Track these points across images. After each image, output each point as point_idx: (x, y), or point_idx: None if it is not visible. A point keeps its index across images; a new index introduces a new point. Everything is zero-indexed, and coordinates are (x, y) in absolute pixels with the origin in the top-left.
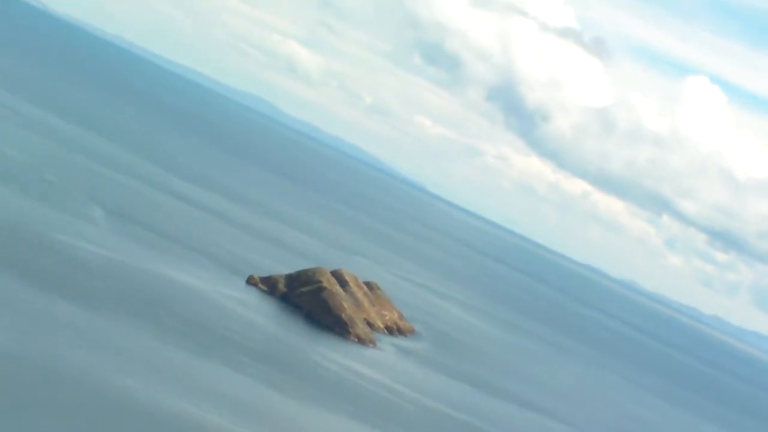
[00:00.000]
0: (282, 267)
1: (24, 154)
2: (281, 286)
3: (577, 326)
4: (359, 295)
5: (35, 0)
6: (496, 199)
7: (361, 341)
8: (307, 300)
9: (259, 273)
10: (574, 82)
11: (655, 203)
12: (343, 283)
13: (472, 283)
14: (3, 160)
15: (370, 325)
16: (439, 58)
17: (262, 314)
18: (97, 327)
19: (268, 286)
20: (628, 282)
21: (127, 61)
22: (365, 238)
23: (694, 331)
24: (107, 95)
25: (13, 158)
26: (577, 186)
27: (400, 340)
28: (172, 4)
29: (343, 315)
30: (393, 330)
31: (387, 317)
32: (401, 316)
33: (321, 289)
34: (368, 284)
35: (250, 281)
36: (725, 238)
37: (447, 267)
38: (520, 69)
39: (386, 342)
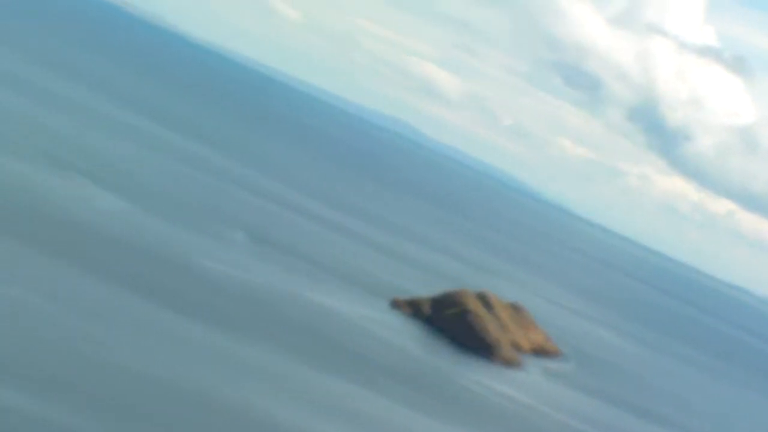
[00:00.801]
0: (425, 289)
1: (163, 179)
2: (426, 309)
3: (728, 348)
4: (504, 317)
5: (170, 25)
6: (639, 220)
7: (507, 363)
8: (452, 322)
9: (403, 295)
10: (715, 100)
11: None
12: (487, 305)
13: (618, 305)
14: (143, 185)
15: (515, 347)
16: (578, 78)
17: (407, 337)
18: (238, 352)
19: (412, 308)
20: None
21: (265, 85)
22: (508, 259)
23: None
24: (245, 118)
25: (153, 183)
26: (721, 205)
27: (546, 362)
28: (308, 28)
29: (488, 337)
30: (539, 352)
31: (533, 339)
32: (547, 338)
33: (466, 311)
34: (513, 306)
35: (395, 304)
36: None
37: (591, 288)
38: (660, 88)
39: (532, 364)
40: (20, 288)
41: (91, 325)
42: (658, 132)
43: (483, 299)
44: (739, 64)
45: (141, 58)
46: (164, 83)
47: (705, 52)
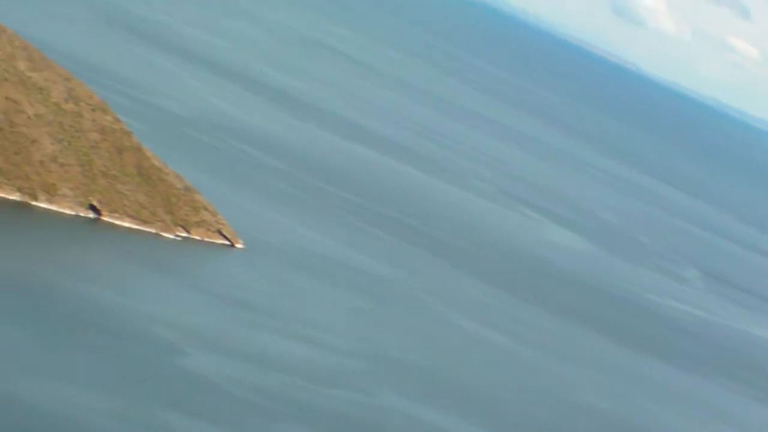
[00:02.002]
0: None
1: (619, 217)
2: None
3: None
4: None
5: (627, 63)
6: None
7: None
8: None
9: None
10: None
11: None
12: None
13: None
14: (599, 223)
15: None
16: None
17: None
18: (690, 388)
19: None
20: None
21: (718, 122)
22: None
23: None
24: (696, 154)
25: (609, 221)
26: None
27: None
28: (763, 65)
29: None
30: None
31: None
32: None
33: None
34: None
35: None
36: None
37: None
38: None
39: None
40: (486, 326)
41: (553, 362)
42: None
43: None
44: None
45: (598, 95)
46: (618, 119)
47: None
